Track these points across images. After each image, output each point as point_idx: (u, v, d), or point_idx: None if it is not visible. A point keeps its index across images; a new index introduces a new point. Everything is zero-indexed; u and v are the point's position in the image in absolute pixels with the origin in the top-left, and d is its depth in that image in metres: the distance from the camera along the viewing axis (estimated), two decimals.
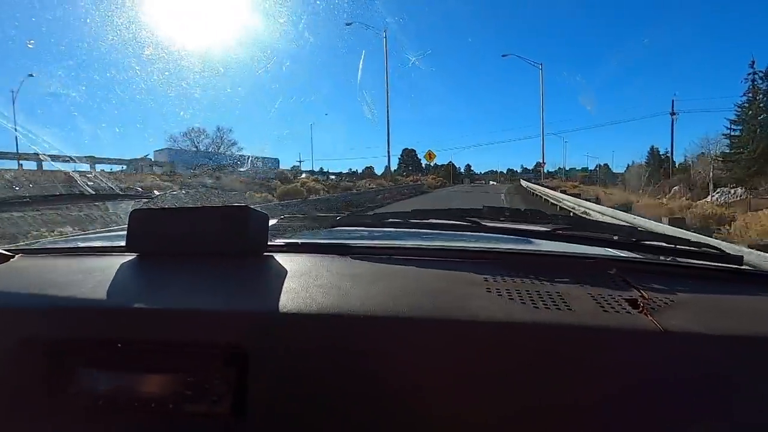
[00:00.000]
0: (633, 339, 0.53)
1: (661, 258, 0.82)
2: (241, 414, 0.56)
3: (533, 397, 0.52)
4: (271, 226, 0.92)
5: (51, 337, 0.65)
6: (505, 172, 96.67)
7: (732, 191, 22.59)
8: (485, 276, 0.72)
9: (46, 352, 0.63)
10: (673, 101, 35.51)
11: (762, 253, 3.02)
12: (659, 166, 39.43)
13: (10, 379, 0.63)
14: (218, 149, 35.10)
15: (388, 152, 40.43)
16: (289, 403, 0.56)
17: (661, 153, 43.24)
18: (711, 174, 27.60)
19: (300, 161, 51.07)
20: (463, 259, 0.83)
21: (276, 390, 0.57)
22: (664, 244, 0.81)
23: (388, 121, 30.89)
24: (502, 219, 0.92)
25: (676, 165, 38.76)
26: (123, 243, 0.87)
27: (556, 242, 0.85)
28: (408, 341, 0.57)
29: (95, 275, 0.77)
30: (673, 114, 34.56)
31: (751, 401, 0.49)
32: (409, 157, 68.17)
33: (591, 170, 61.73)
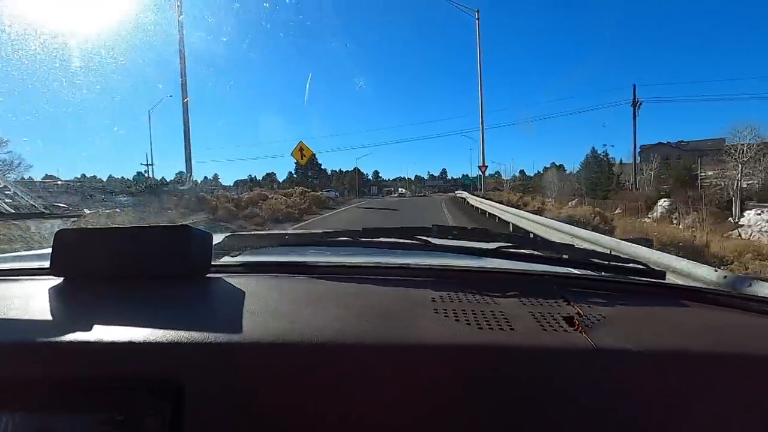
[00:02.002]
0: (569, 357, 0.57)
1: (594, 274, 0.87)
2: None
3: (477, 418, 0.53)
4: (215, 245, 0.88)
5: None
6: (413, 179, 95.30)
7: None
8: (433, 296, 0.74)
9: None
10: (635, 87, 28.78)
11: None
12: (609, 170, 33.52)
13: None
14: None
15: (186, 155, 18.35)
16: None
17: (608, 156, 35.22)
18: (737, 184, 19.10)
19: (147, 165, 35.51)
20: (413, 277, 0.85)
21: (216, 425, 0.54)
22: (598, 261, 0.88)
23: (185, 107, 16.56)
24: (450, 237, 0.95)
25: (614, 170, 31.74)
26: (46, 264, 0.80)
27: (502, 260, 0.89)
28: (359, 368, 0.56)
29: (12, 302, 0.70)
30: (636, 104, 27.72)
31: (672, 410, 0.53)
32: (312, 162, 55.80)
33: (494, 176, 56.19)
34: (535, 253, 0.90)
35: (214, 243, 0.87)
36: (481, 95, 25.82)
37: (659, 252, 4.15)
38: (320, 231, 1.05)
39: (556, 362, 0.56)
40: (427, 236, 0.94)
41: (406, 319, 0.65)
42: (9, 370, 0.57)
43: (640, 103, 28.19)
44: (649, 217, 18.46)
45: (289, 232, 1.13)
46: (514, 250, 0.90)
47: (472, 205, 20.42)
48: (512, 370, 0.56)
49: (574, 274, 0.88)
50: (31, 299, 0.72)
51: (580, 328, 0.61)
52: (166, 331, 0.58)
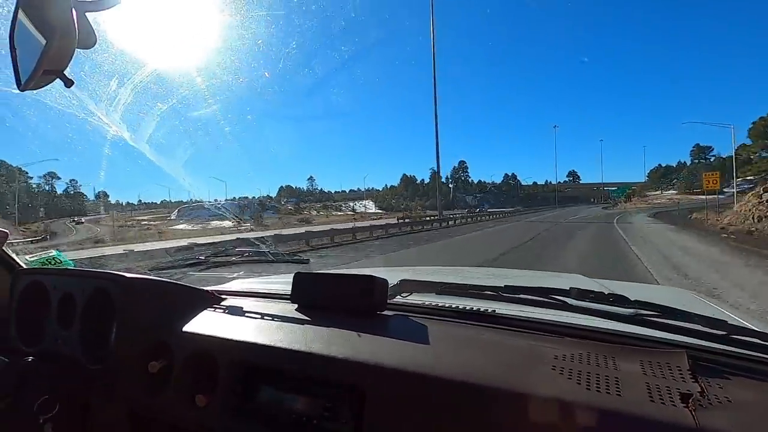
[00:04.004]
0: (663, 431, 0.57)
1: (741, 351, 0.78)
2: None
3: None
4: (391, 286, 1.16)
5: (245, 362, 0.95)
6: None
7: None
8: (556, 353, 0.82)
9: (243, 372, 0.96)
10: None
11: None
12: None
13: (219, 390, 0.95)
14: None
15: None
16: None
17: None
18: None
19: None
20: (542, 332, 0.94)
21: (386, 425, 0.77)
22: (758, 341, 0.78)
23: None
24: (587, 300, 0.99)
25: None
26: (286, 287, 1.23)
27: (636, 326, 0.89)
28: (479, 406, 0.72)
29: (266, 319, 1.12)
30: None
31: None
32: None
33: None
34: (674, 323, 0.86)
35: (390, 285, 1.16)
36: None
37: None
38: (470, 284, 1.24)
39: None
40: (565, 296, 1.01)
41: (525, 371, 0.77)
42: (270, 361, 0.94)
43: None
44: None
45: (450, 282, 1.37)
46: (653, 319, 0.88)
47: None
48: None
49: (715, 348, 0.81)
50: (279, 316, 1.11)
51: (692, 407, 0.61)
52: (354, 353, 0.87)
